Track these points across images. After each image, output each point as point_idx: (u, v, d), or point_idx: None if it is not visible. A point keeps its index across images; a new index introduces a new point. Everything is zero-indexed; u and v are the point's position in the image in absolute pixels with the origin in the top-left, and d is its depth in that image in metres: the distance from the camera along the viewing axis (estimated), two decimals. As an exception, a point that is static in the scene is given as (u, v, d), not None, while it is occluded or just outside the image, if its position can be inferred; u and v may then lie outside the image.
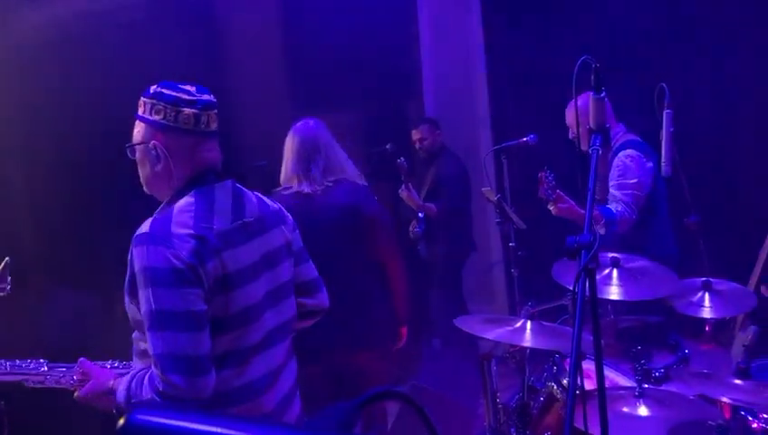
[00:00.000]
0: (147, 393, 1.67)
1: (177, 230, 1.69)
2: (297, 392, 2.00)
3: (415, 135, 5.08)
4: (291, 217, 2.04)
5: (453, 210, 4.83)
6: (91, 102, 3.68)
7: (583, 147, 3.61)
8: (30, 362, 1.94)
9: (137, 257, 1.69)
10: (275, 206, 2.00)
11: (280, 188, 2.99)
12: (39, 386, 1.93)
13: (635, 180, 3.31)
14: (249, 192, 1.93)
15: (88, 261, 3.66)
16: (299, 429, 0.51)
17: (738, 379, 2.03)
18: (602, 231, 3.11)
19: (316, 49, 5.59)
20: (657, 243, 3.42)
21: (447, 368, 4.08)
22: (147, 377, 1.69)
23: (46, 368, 1.93)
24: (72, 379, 1.89)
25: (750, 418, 2.41)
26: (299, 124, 3.08)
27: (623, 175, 3.26)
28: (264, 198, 1.98)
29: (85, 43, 4.10)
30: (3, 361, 1.94)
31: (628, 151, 3.31)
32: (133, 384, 1.72)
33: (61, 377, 1.91)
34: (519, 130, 4.35)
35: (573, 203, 3.15)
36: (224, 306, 1.72)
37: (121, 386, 1.75)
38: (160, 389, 1.64)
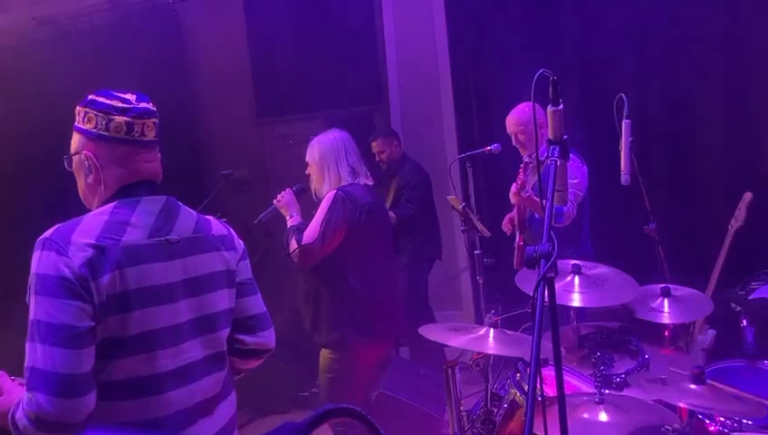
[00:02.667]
0: (18, 413, 1.54)
1: (78, 238, 1.58)
2: (233, 433, 1.84)
3: (373, 148, 5.07)
4: (242, 246, 1.89)
5: (414, 217, 4.85)
6: (49, 110, 3.63)
7: (523, 153, 3.74)
8: None
9: (33, 262, 1.59)
10: (224, 232, 1.86)
11: (351, 183, 3.07)
12: None
13: (576, 180, 3.45)
14: (191, 212, 1.81)
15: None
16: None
17: (694, 384, 2.08)
18: (552, 221, 3.21)
19: (281, 58, 5.59)
20: (578, 242, 3.56)
21: (415, 376, 4.08)
22: (21, 399, 1.56)
23: None
24: None
25: (707, 421, 2.48)
26: (334, 130, 3.18)
27: (568, 175, 3.35)
28: (211, 222, 1.85)
29: (46, 49, 4.06)
30: None
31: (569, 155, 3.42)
32: (17, 401, 1.58)
33: None
34: (484, 139, 4.41)
35: (533, 193, 3.26)
36: (121, 326, 1.58)
37: (14, 405, 1.60)
38: (25, 407, 1.52)
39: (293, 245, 2.98)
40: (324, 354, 3.09)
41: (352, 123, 5.58)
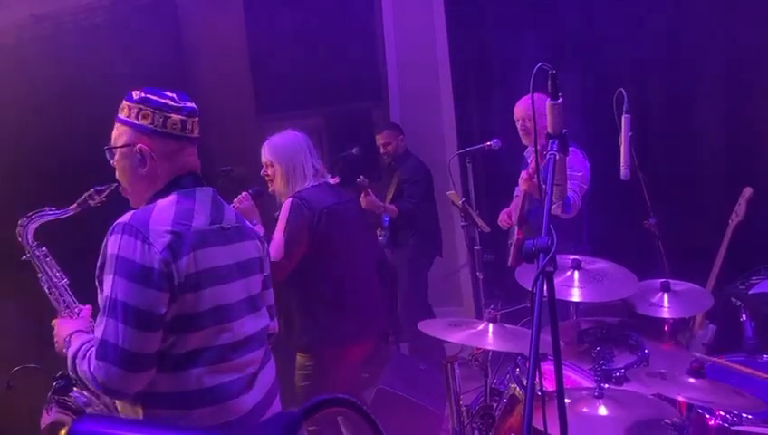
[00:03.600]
0: (84, 367, 1.73)
1: (156, 226, 1.74)
2: (275, 401, 2.03)
3: (378, 140, 5.10)
4: (263, 238, 2.11)
5: (415, 211, 4.86)
6: (52, 105, 3.64)
7: (524, 141, 3.75)
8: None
9: (111, 244, 1.72)
10: (250, 224, 2.09)
11: (311, 184, 2.99)
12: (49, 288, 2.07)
13: (580, 173, 3.45)
14: (227, 204, 2.00)
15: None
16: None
17: (693, 378, 2.08)
18: (559, 211, 3.22)
19: (281, 54, 5.58)
20: (577, 238, 3.56)
21: (415, 372, 4.09)
22: (89, 353, 1.75)
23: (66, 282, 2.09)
24: (68, 311, 2.05)
25: (707, 415, 2.48)
26: (287, 132, 3.07)
27: (571, 167, 3.34)
28: (241, 215, 2.06)
29: (46, 47, 4.05)
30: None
31: (573, 148, 3.40)
32: (81, 350, 1.78)
33: (66, 304, 2.05)
34: (483, 135, 4.41)
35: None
36: (194, 303, 1.76)
37: (76, 343, 1.82)
38: (92, 369, 1.70)
39: None
40: (298, 356, 3.06)
41: (352, 119, 5.62)
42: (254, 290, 1.97)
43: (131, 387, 1.72)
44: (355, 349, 3.11)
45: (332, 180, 3.11)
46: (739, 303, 3.43)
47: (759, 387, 2.54)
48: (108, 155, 1.89)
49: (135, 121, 1.84)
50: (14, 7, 4.04)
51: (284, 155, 3.01)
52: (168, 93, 1.87)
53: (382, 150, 5.10)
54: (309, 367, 3.02)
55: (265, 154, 3.05)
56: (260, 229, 3.00)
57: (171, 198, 1.84)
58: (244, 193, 3.09)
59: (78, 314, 2.04)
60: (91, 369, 1.71)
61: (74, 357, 1.79)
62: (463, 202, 3.93)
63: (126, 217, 1.77)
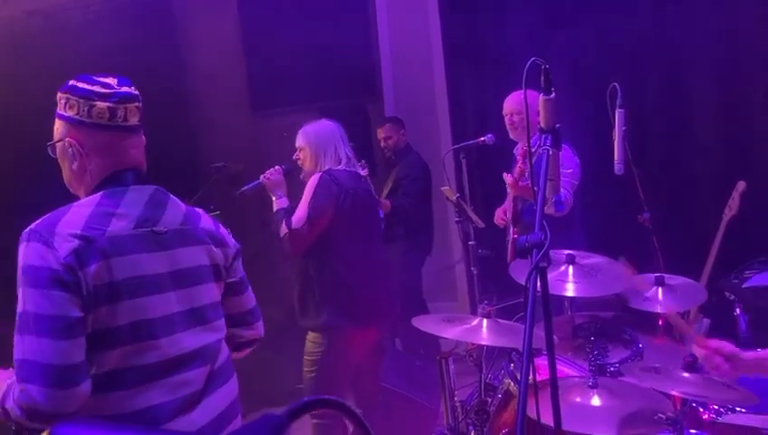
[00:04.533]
0: (9, 402, 1.53)
1: (63, 229, 1.56)
2: (232, 424, 1.81)
3: (379, 134, 5.09)
4: (236, 245, 1.89)
5: (410, 208, 4.84)
6: (52, 102, 3.61)
7: (512, 136, 3.75)
8: None
9: (20, 254, 1.57)
10: (212, 227, 1.83)
11: (338, 167, 3.07)
12: None
13: (570, 170, 3.47)
14: (179, 204, 1.79)
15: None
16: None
17: (687, 372, 2.08)
18: (551, 210, 3.22)
19: (275, 50, 5.56)
20: (568, 225, 3.57)
21: (410, 367, 4.08)
22: (11, 386, 1.56)
23: None
24: None
25: (701, 409, 2.47)
26: (325, 121, 3.18)
27: (562, 165, 3.33)
28: (202, 215, 1.84)
29: (38, 43, 4.02)
30: None
31: (563, 145, 3.40)
32: (8, 389, 1.57)
33: None
34: (478, 130, 4.39)
35: (530, 183, 3.28)
36: (110, 316, 1.57)
37: (2, 391, 1.60)
38: (16, 397, 1.51)
39: (284, 229, 2.96)
40: (309, 338, 3.08)
41: (346, 115, 5.57)
42: (199, 301, 1.73)
43: (68, 406, 1.50)
44: (363, 335, 3.14)
45: (363, 171, 3.18)
46: (733, 296, 3.43)
47: (752, 381, 2.54)
48: (50, 152, 1.74)
49: (63, 113, 1.69)
50: (6, 3, 4.01)
51: (315, 139, 3.11)
52: (103, 79, 1.69)
53: (383, 144, 5.08)
54: (318, 353, 3.04)
55: (299, 139, 3.15)
56: (284, 202, 3.09)
57: (94, 197, 1.66)
58: (276, 167, 3.17)
59: None
60: (15, 397, 1.50)
61: (2, 402, 1.56)
62: (457, 198, 3.92)
63: (34, 223, 1.59)
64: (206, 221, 1.83)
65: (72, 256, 1.54)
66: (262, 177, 3.19)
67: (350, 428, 3.19)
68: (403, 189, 4.89)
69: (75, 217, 1.61)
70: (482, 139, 3.90)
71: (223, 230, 1.88)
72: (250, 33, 5.62)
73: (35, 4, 4.36)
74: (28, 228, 1.59)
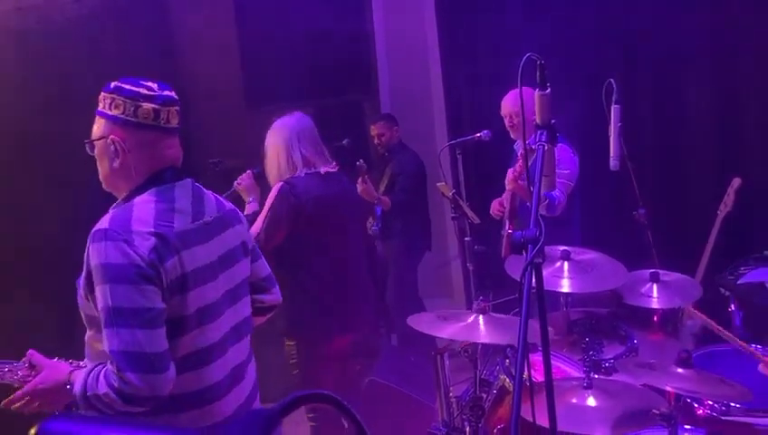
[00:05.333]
0: (102, 389, 1.63)
1: (138, 227, 1.68)
2: (257, 398, 1.99)
3: (373, 130, 5.08)
4: (243, 216, 2.07)
5: (407, 204, 4.84)
6: (45, 98, 3.60)
7: (513, 136, 3.75)
8: None
9: (94, 253, 1.66)
10: (230, 205, 2.01)
11: (296, 174, 2.99)
12: None
13: (567, 171, 3.47)
14: (207, 191, 1.94)
15: (37, 263, 3.57)
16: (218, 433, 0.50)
17: (681, 368, 2.08)
18: (544, 211, 3.24)
19: (270, 46, 5.55)
20: (566, 221, 3.58)
21: (406, 364, 4.09)
22: (102, 373, 1.66)
23: None
24: (17, 374, 1.83)
25: (695, 405, 2.49)
26: (292, 115, 3.10)
27: (559, 165, 3.33)
28: (220, 198, 1.99)
29: (32, 39, 4.00)
30: None
31: (561, 144, 3.40)
32: (90, 378, 1.67)
33: (6, 371, 1.84)
34: (474, 126, 4.39)
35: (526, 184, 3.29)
36: (181, 306, 1.71)
37: (78, 379, 1.69)
38: (116, 386, 1.62)
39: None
40: (285, 343, 3.08)
41: (342, 111, 5.57)
42: (236, 279, 1.92)
43: (163, 389, 1.65)
44: (338, 341, 3.09)
45: (328, 168, 3.05)
46: (728, 293, 3.44)
47: (746, 377, 2.55)
48: (88, 149, 1.82)
49: (108, 112, 1.77)
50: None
51: (272, 141, 3.04)
52: (146, 82, 1.79)
53: (376, 141, 5.07)
54: (294, 355, 3.04)
55: (266, 138, 3.10)
56: (254, 206, 3.10)
57: (149, 196, 1.76)
58: (248, 171, 3.19)
59: (36, 366, 1.82)
60: (116, 386, 1.62)
61: (84, 389, 1.67)
62: (453, 194, 3.92)
63: (105, 223, 1.69)
64: (227, 203, 2.01)
65: (153, 253, 1.66)
66: (235, 183, 3.20)
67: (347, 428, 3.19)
68: (399, 185, 4.89)
69: (144, 215, 1.72)
70: (478, 135, 3.89)
71: (234, 205, 2.05)
72: (246, 27, 5.60)
73: (28, 0, 4.34)
74: (101, 228, 1.68)
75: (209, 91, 5.36)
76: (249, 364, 1.97)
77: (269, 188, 3.07)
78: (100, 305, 1.65)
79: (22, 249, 3.57)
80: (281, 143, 3.01)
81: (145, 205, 1.74)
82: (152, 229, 1.68)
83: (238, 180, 3.17)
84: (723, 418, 2.42)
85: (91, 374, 1.68)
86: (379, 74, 5.66)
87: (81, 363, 1.85)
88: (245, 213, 3.02)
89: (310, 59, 5.38)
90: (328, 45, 5.36)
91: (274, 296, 2.15)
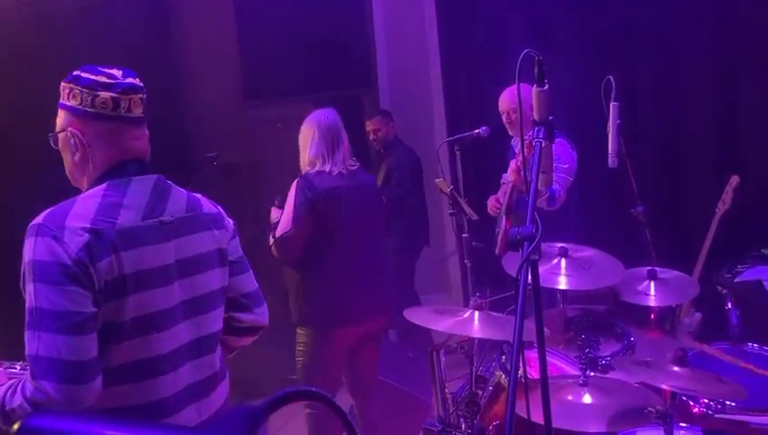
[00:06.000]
0: (17, 401, 1.51)
1: (72, 223, 1.55)
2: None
3: (368, 126, 5.07)
4: (232, 224, 1.88)
5: (402, 200, 4.83)
6: (33, 94, 3.58)
7: (510, 133, 3.73)
8: None
9: (25, 249, 1.55)
10: (214, 210, 1.84)
11: (309, 170, 3.10)
12: None
13: (566, 165, 3.47)
14: (181, 191, 1.79)
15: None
16: (202, 430, 0.49)
17: (677, 366, 2.08)
18: (543, 204, 3.23)
19: (270, 40, 5.53)
20: (563, 228, 3.54)
21: (403, 359, 4.09)
22: (20, 385, 1.54)
23: None
24: None
25: (691, 403, 2.48)
26: (320, 112, 3.20)
27: (558, 159, 3.32)
28: (201, 200, 1.83)
29: (30, 32, 3.99)
30: None
31: (560, 139, 3.40)
32: (9, 391, 1.55)
33: None
34: (473, 122, 4.38)
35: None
36: (119, 311, 1.57)
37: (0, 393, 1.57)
38: (28, 395, 1.49)
39: (270, 240, 3.08)
40: (298, 331, 3.16)
41: (341, 106, 5.52)
42: (200, 290, 1.74)
43: (82, 402, 1.50)
44: (352, 329, 3.14)
45: (341, 168, 3.11)
46: (725, 291, 3.43)
47: (742, 375, 2.55)
48: (52, 142, 1.72)
49: (67, 103, 1.68)
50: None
51: (300, 136, 3.17)
52: (107, 70, 1.68)
53: (372, 137, 5.06)
54: (302, 345, 3.13)
55: None
56: (276, 216, 3.19)
57: (98, 189, 1.64)
58: (272, 208, 3.34)
59: None
60: (28, 396, 1.49)
61: (2, 404, 1.54)
62: (451, 190, 3.90)
63: (40, 218, 1.57)
64: (207, 205, 1.84)
65: (83, 251, 1.53)
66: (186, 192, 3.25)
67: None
68: (395, 180, 4.88)
69: (83, 209, 1.59)
70: (477, 131, 3.86)
71: (221, 211, 1.88)
72: (245, 22, 5.58)
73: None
74: (35, 223, 1.57)
75: (207, 85, 5.35)
76: (218, 382, 1.79)
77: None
78: (26, 305, 1.53)
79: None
80: (306, 138, 3.14)
81: (89, 199, 1.62)
82: (87, 225, 1.55)
83: (273, 218, 3.29)
84: (718, 416, 2.42)
85: (10, 388, 1.56)
86: (378, 70, 5.65)
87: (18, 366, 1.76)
88: (273, 220, 3.19)
89: (309, 53, 5.37)
90: (328, 40, 5.35)
91: (257, 317, 1.92)
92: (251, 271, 1.93)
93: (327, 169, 3.08)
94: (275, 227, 3.10)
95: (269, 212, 3.41)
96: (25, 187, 3.52)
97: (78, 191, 1.72)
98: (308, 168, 3.10)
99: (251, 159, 5.46)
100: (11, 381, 1.60)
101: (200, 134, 4.90)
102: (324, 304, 3.08)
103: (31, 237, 1.55)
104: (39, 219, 1.57)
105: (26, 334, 1.52)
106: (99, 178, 1.67)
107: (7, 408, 1.53)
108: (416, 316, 2.45)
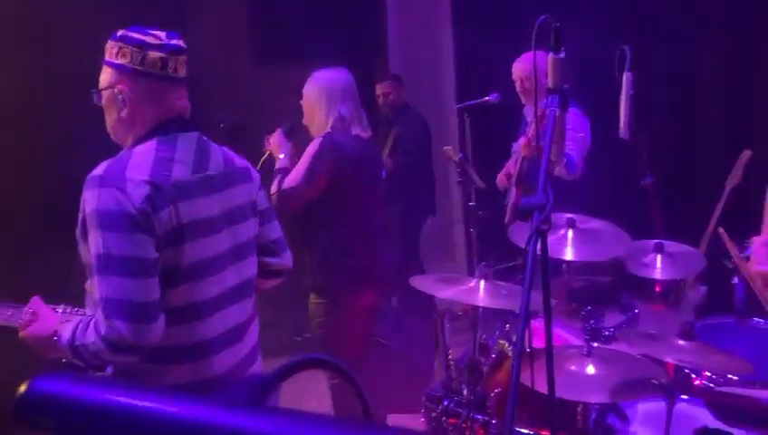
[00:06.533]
0: (90, 337, 1.63)
1: (132, 175, 1.65)
2: (257, 358, 1.97)
3: (379, 90, 5.02)
4: (257, 176, 2.00)
5: (409, 166, 4.80)
6: (51, 54, 3.55)
7: (523, 101, 3.68)
8: None
9: (88, 200, 1.65)
10: (243, 163, 1.96)
11: (340, 130, 2.93)
12: None
13: (581, 134, 3.43)
14: (216, 146, 1.89)
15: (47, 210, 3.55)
16: (208, 403, 0.48)
17: (682, 340, 2.07)
18: (563, 172, 3.19)
19: (280, 4, 5.45)
20: (570, 202, 3.51)
21: (405, 325, 4.10)
22: (92, 322, 1.65)
23: None
24: (21, 318, 1.83)
25: (693, 375, 2.49)
26: (336, 71, 3.03)
27: (573, 128, 3.27)
28: (232, 154, 1.94)
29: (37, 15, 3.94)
30: None
31: (573, 108, 3.35)
32: (79, 328, 1.67)
33: (9, 314, 1.85)
34: (484, 89, 4.32)
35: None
36: (176, 257, 1.69)
37: (67, 330, 1.69)
38: (103, 333, 1.60)
39: (273, 188, 2.89)
40: (311, 299, 3.05)
41: (351, 71, 5.50)
42: (241, 238, 1.87)
43: (150, 339, 1.63)
44: (363, 297, 3.07)
45: (362, 132, 3.02)
46: (731, 265, 3.41)
47: (746, 349, 2.55)
48: (95, 99, 1.79)
49: (115, 61, 1.74)
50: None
51: (312, 94, 2.98)
52: (153, 31, 1.74)
53: (381, 101, 5.01)
54: (322, 314, 3.01)
55: (305, 86, 3.04)
56: (285, 162, 3.02)
57: (150, 144, 1.73)
58: (277, 129, 3.12)
59: (36, 313, 1.82)
60: (102, 333, 1.60)
61: (72, 340, 1.66)
62: (460, 158, 3.89)
63: (99, 170, 1.67)
64: (238, 160, 1.94)
65: (146, 202, 1.63)
66: (266, 145, 3.14)
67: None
68: (403, 147, 4.84)
69: (140, 163, 1.68)
70: (487, 98, 3.84)
71: (248, 164, 2.00)
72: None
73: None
74: (95, 174, 1.66)
75: (217, 47, 5.29)
76: (250, 326, 1.92)
77: (303, 144, 3.02)
78: (92, 252, 1.64)
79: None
80: (323, 97, 2.95)
81: (144, 153, 1.71)
82: (147, 178, 1.65)
83: (268, 141, 3.10)
84: (720, 389, 2.43)
85: (81, 324, 1.68)
86: (389, 34, 5.57)
87: (80, 311, 1.85)
88: (278, 166, 3.01)
89: (319, 17, 5.29)
90: (338, 4, 5.27)
91: (284, 261, 2.09)
92: (277, 219, 2.08)
93: (354, 132, 2.95)
94: (282, 174, 2.94)
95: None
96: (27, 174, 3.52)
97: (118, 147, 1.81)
98: (328, 129, 2.93)
99: (261, 122, 5.41)
100: (79, 318, 1.73)
101: (207, 97, 4.87)
102: (345, 274, 2.97)
103: (93, 188, 1.64)
104: (99, 171, 1.67)
105: (95, 279, 1.64)
106: (146, 135, 1.75)
107: (78, 343, 1.65)
108: (421, 283, 2.44)
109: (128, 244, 1.62)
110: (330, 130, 2.92)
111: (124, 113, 1.75)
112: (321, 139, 2.90)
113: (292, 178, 2.88)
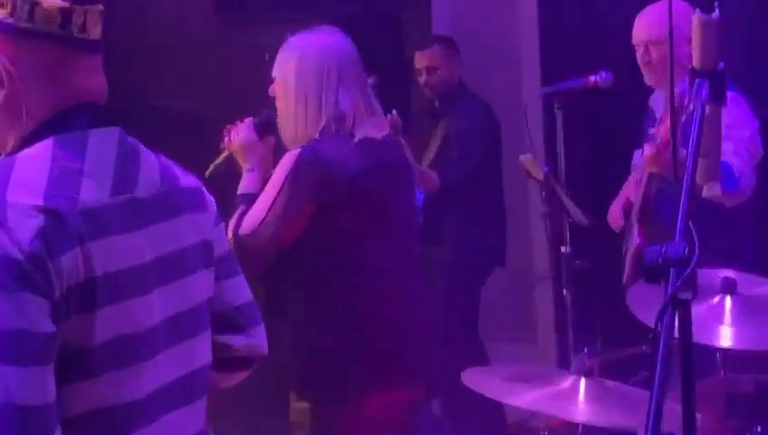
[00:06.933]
0: None
1: (15, 197, 1.59)
2: None
3: (419, 62, 5.08)
4: (213, 204, 1.97)
5: (468, 186, 4.83)
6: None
7: (648, 81, 3.70)
8: None
9: None
10: (191, 182, 1.93)
11: (327, 133, 2.93)
12: None
13: (748, 132, 3.44)
14: (149, 152, 1.84)
15: None
16: None
17: None
18: (718, 193, 3.16)
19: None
20: (734, 241, 3.58)
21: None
22: None
23: None
24: None
25: None
26: (326, 33, 3.08)
27: (732, 124, 3.26)
28: (176, 167, 1.90)
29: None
30: None
31: (733, 94, 3.33)
32: None
33: None
34: (582, 65, 4.36)
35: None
36: (84, 333, 1.62)
37: None
38: None
39: (231, 227, 2.87)
40: (293, 403, 3.08)
41: (370, 31, 5.58)
42: (186, 302, 1.82)
43: None
44: (386, 395, 3.04)
45: (373, 132, 3.00)
46: None
47: None
48: None
49: None
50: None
51: (293, 76, 2.97)
52: None
53: (424, 80, 5.08)
54: (305, 425, 3.03)
55: (276, 64, 3.03)
56: (254, 178, 3.03)
57: (44, 147, 1.67)
58: (245, 120, 3.09)
59: None
60: None
61: None
62: (545, 174, 3.90)
63: None
64: (183, 176, 1.90)
65: (37, 241, 1.56)
66: (225, 140, 3.14)
67: None
68: (457, 153, 4.88)
69: (29, 177, 1.64)
70: (591, 78, 3.86)
71: (199, 182, 1.95)
72: None
73: None
74: None
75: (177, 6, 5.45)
76: None
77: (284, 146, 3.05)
78: None
79: None
80: (310, 79, 2.96)
81: (34, 162, 1.66)
82: (40, 202, 1.59)
83: (231, 134, 3.10)
84: None
85: None
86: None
87: None
88: (242, 190, 3.03)
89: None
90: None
91: (255, 340, 2.04)
92: (242, 274, 2.04)
93: (366, 134, 2.95)
94: (247, 203, 2.93)
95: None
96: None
97: None
98: (315, 129, 2.93)
99: (223, 103, 5.50)
100: None
101: (158, 69, 4.99)
102: (348, 362, 2.95)
103: None
104: None
105: None
106: (37, 132, 1.71)
107: None
108: (481, 380, 2.44)
109: (6, 310, 1.56)
110: (316, 138, 2.92)
111: (1, 96, 1.72)
112: (296, 153, 2.90)
113: (255, 214, 2.88)
